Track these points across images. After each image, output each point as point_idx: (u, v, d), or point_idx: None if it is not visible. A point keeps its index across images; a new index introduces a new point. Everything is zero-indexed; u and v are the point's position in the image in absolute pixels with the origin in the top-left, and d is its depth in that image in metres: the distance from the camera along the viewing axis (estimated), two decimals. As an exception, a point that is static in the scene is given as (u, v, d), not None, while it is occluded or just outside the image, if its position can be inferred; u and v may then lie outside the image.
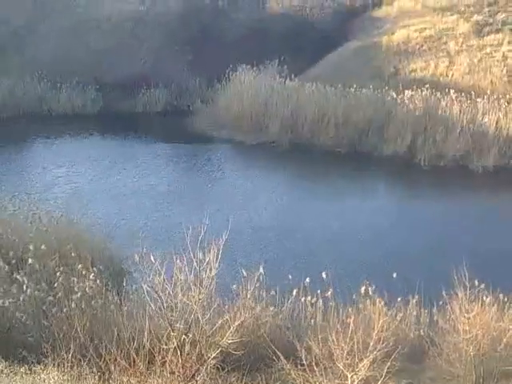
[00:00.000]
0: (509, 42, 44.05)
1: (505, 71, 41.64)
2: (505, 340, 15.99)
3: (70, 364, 14.53)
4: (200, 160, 39.55)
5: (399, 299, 18.19)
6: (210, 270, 14.85)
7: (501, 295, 17.90)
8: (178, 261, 14.82)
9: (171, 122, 44.48)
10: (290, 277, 18.86)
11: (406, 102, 38.96)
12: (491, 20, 47.18)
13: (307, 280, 18.36)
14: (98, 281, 18.62)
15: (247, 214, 30.34)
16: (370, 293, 18.04)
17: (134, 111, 46.37)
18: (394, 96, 39.53)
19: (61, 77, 46.64)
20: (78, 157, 38.88)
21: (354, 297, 18.24)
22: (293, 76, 43.25)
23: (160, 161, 39.37)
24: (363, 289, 18.04)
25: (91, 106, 46.77)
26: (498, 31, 45.62)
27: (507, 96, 38.28)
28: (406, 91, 39.35)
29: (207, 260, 14.81)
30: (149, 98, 47.27)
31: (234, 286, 17.40)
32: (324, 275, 18.10)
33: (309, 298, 18.31)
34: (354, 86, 40.58)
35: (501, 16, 47.43)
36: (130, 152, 40.70)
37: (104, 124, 44.91)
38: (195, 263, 14.74)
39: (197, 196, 33.26)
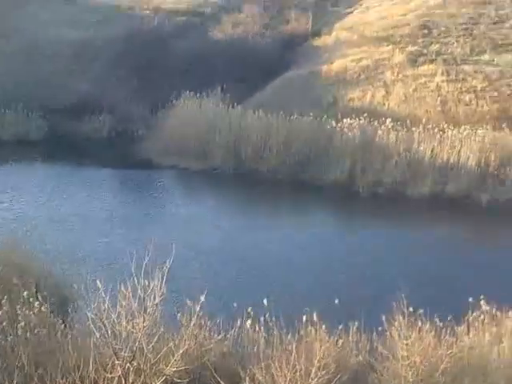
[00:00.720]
0: (442, 73, 45.51)
1: (439, 101, 43.07)
2: (442, 366, 16.26)
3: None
4: (144, 186, 40.11)
5: (340, 326, 18.35)
6: (155, 297, 15.04)
7: (438, 321, 18.21)
8: (123, 288, 15.02)
9: (116, 147, 44.91)
10: (235, 304, 19.17)
11: (345, 130, 39.99)
12: (425, 51, 48.77)
13: (250, 307, 18.58)
14: (42, 308, 18.27)
15: (191, 240, 30.56)
16: (313, 319, 18.10)
17: (79, 137, 46.38)
18: (334, 124, 40.51)
19: (5, 102, 46.51)
20: (21, 183, 38.92)
21: (296, 324, 18.40)
22: (236, 103, 43.98)
23: (104, 187, 39.66)
24: (305, 316, 18.13)
25: (36, 132, 46.80)
26: (431, 62, 47.17)
27: (441, 125, 39.48)
28: (345, 120, 40.36)
29: (151, 287, 15.00)
30: (94, 124, 47.62)
31: (179, 313, 17.40)
32: (266, 302, 18.32)
33: (252, 325, 18.47)
34: (295, 113, 41.44)
35: (434, 47, 49.07)
36: (74, 178, 40.92)
37: (48, 150, 44.90)
38: (139, 290, 14.92)
39: (141, 222, 33.69)
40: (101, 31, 55.10)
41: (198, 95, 45.20)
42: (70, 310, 20.73)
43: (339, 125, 40.36)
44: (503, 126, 39.11)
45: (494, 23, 52.07)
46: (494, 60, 46.86)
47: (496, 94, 43.02)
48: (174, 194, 39.27)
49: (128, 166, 42.60)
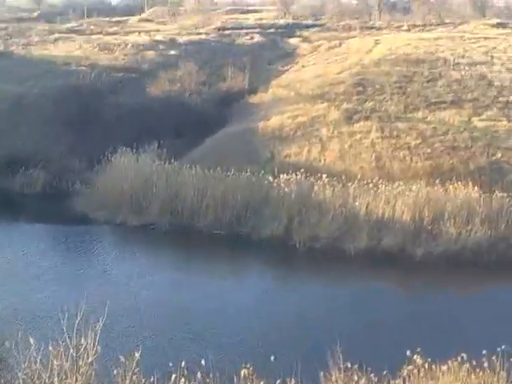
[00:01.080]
0: (377, 130, 46.22)
1: (373, 157, 43.54)
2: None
3: None
4: (78, 242, 39.40)
5: (278, 382, 18.20)
6: (88, 356, 14.74)
7: (373, 376, 18.35)
8: (55, 346, 14.69)
9: (51, 203, 44.10)
10: (170, 362, 18.78)
11: (282, 185, 40.09)
12: (360, 108, 49.58)
13: (186, 364, 18.16)
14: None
15: (124, 297, 30.36)
16: (249, 376, 18.10)
17: (12, 192, 45.70)
18: (270, 180, 40.65)
19: None
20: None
21: (234, 380, 18.33)
22: (172, 159, 43.86)
23: (37, 243, 38.98)
24: (242, 372, 18.12)
25: (-35, 187, 45.76)
26: (366, 119, 47.89)
27: (376, 181, 39.92)
28: (282, 175, 40.52)
29: (84, 345, 14.71)
30: (27, 179, 46.77)
31: (114, 370, 16.95)
32: (203, 361, 18.17)
33: (188, 382, 18.02)
34: (232, 169, 41.50)
35: (369, 104, 49.91)
36: (5, 234, 40.11)
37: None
38: (72, 349, 14.62)
39: (74, 279, 33.13)
40: (36, 86, 54.79)
41: (134, 150, 44.88)
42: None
43: (276, 180, 40.46)
44: (437, 181, 39.62)
45: (428, 81, 53.30)
46: (427, 117, 47.79)
47: (429, 150, 43.71)
48: (109, 250, 38.53)
49: (63, 221, 41.90)
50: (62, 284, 32.22)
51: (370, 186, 39.42)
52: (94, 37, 70.16)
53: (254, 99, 55.44)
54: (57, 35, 70.05)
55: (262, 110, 52.22)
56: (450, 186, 39.04)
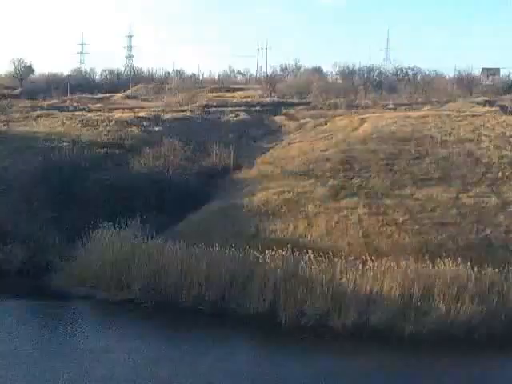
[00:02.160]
0: (364, 206, 45.80)
1: (360, 233, 43.02)
2: None
3: None
4: (55, 319, 38.31)
5: None
6: None
7: None
8: None
9: (29, 279, 42.87)
10: None
11: (267, 261, 39.29)
12: (347, 184, 49.26)
13: None
14: None
15: (102, 376, 29.39)
16: None
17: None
18: (255, 255, 39.78)
19: None
20: None
21: None
22: (155, 234, 43.12)
23: (12, 320, 37.74)
24: None
25: None
26: (353, 195, 47.58)
27: (363, 257, 39.18)
28: (267, 251, 39.70)
29: None
30: (5, 255, 45.48)
31: None
32: None
33: None
34: (217, 244, 40.67)
35: (356, 181, 49.68)
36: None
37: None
38: None
39: (49, 359, 32.02)
40: (16, 162, 54.24)
41: (116, 226, 44.07)
42: None
43: (261, 256, 39.59)
44: (425, 257, 38.92)
45: (415, 158, 53.16)
46: (414, 194, 47.43)
47: (417, 226, 43.28)
48: (87, 327, 37.30)
49: (39, 298, 40.77)
50: (37, 364, 31.08)
51: (358, 262, 38.75)
52: (77, 113, 70.09)
53: (239, 175, 54.99)
54: (39, 112, 69.97)
55: (247, 185, 51.76)
56: (440, 262, 38.27)
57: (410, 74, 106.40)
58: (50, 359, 31.95)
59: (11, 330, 35.99)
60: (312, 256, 39.20)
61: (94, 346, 34.04)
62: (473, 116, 66.98)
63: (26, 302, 41.36)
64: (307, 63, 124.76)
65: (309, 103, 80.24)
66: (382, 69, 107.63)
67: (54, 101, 78.41)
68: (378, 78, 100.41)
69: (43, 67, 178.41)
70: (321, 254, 39.47)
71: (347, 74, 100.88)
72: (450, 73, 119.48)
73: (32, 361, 31.75)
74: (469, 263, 38.01)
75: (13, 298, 41.30)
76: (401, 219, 44.10)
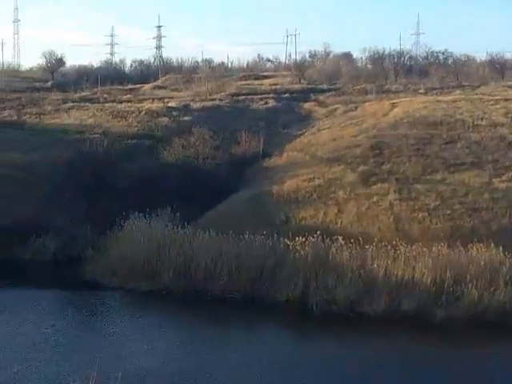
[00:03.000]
0: (395, 191, 45.45)
1: (391, 219, 42.71)
2: None
3: None
4: (87, 309, 38.66)
5: None
6: None
7: None
8: None
9: (61, 269, 43.35)
10: None
11: (298, 248, 39.18)
12: (377, 170, 48.90)
13: None
14: None
15: (137, 365, 29.44)
16: None
17: (23, 259, 44.92)
18: (286, 243, 39.68)
19: None
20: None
21: None
22: (185, 223, 43.16)
23: (46, 311, 38.02)
24: None
25: (-23, 254, 45.15)
26: (383, 181, 47.19)
27: (394, 243, 38.89)
28: (297, 238, 39.59)
29: None
30: (38, 246, 46.12)
31: None
32: None
33: None
34: (247, 233, 40.62)
35: (386, 166, 49.29)
36: (15, 302, 39.26)
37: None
38: None
39: (83, 347, 32.22)
40: (48, 154, 54.59)
41: (147, 216, 44.23)
42: None
43: (291, 243, 39.49)
44: (457, 243, 38.54)
45: (446, 143, 52.67)
46: (446, 179, 46.96)
47: (449, 212, 42.84)
48: (119, 316, 37.72)
49: (73, 288, 41.10)
50: (73, 352, 31.37)
51: (389, 247, 38.44)
52: (107, 105, 70.44)
53: (269, 163, 54.91)
54: (70, 104, 70.36)
55: (277, 173, 51.61)
56: (472, 248, 37.88)
57: (441, 57, 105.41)
58: (82, 346, 32.27)
59: (45, 318, 36.37)
60: (342, 242, 39.01)
61: (124, 334, 34.33)
62: (505, 100, 66.21)
63: (59, 292, 41.78)
64: (336, 49, 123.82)
65: (338, 89, 79.78)
66: (412, 53, 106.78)
67: (85, 93, 78.81)
68: (408, 63, 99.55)
69: (74, 60, 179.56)
70: (351, 240, 39.21)
71: (377, 58, 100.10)
72: (481, 56, 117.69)
73: (65, 348, 32.10)
74: (501, 248, 37.58)
75: (46, 288, 41.75)
76: (432, 204, 43.67)
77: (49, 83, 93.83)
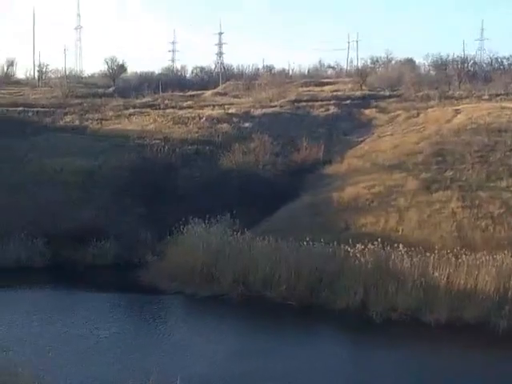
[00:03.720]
0: (457, 199, 44.65)
1: (454, 227, 41.94)
2: None
3: None
4: (146, 313, 38.68)
5: None
6: None
7: None
8: None
9: (121, 274, 43.72)
10: None
11: (357, 255, 38.72)
12: (439, 177, 48.13)
13: None
14: None
15: (196, 370, 29.30)
16: None
17: (84, 263, 45.36)
18: (345, 250, 39.27)
19: (8, 230, 45.89)
20: (20, 310, 37.85)
21: None
22: (245, 229, 43.08)
23: (106, 314, 38.30)
24: None
25: (39, 259, 45.76)
26: (446, 188, 46.39)
27: (456, 251, 38.12)
28: (357, 245, 39.14)
29: None
30: (99, 251, 46.66)
31: None
32: None
33: None
34: (306, 239, 40.29)
35: (449, 173, 48.48)
36: (76, 305, 39.86)
37: (51, 276, 43.92)
38: None
39: (142, 350, 32.23)
40: (109, 160, 55.18)
41: (206, 221, 44.32)
42: None
43: (351, 250, 39.06)
44: (522, 251, 37.65)
45: (510, 150, 51.62)
46: (510, 186, 46.01)
47: (514, 219, 41.88)
48: (179, 321, 37.88)
49: (133, 292, 41.49)
50: (134, 355, 31.53)
51: (451, 256, 37.63)
52: (168, 111, 70.81)
53: (329, 170, 54.51)
54: (131, 110, 70.87)
55: (337, 180, 51.22)
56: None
57: (506, 63, 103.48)
58: (140, 350, 32.35)
59: (104, 322, 36.66)
60: (403, 250, 38.37)
61: (182, 339, 34.26)
62: None
63: (119, 296, 42.19)
64: (399, 55, 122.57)
65: (400, 95, 78.86)
66: (476, 59, 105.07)
67: (146, 99, 79.34)
68: (472, 69, 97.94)
69: (135, 66, 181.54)
70: (412, 248, 38.56)
71: (440, 64, 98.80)
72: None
73: (123, 352, 32.25)
74: None
75: (106, 292, 42.24)
76: (496, 212, 42.82)
77: (110, 89, 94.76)
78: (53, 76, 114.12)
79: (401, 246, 38.70)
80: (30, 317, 36.80)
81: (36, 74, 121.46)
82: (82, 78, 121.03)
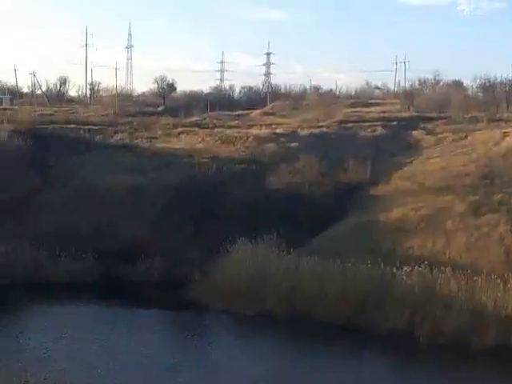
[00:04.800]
0: (506, 222, 44.25)
1: (502, 251, 41.60)
2: None
3: None
4: (193, 330, 39.14)
5: None
6: None
7: None
8: None
9: (168, 291, 44.00)
10: None
11: (404, 277, 38.72)
12: (487, 200, 47.74)
13: None
14: None
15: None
16: None
17: (132, 279, 45.96)
18: (392, 271, 39.28)
19: (59, 245, 46.77)
20: (70, 325, 38.53)
21: None
22: (291, 249, 43.30)
23: (153, 330, 38.86)
24: None
25: (89, 274, 46.49)
26: (494, 211, 46.00)
27: (505, 275, 37.86)
28: (404, 267, 39.10)
29: None
30: (147, 267, 47.18)
31: None
32: None
33: None
34: (352, 260, 40.36)
35: (497, 196, 48.03)
36: (124, 320, 40.62)
37: (100, 292, 44.83)
38: None
39: (191, 369, 32.68)
40: (158, 177, 55.75)
41: (252, 241, 44.60)
42: None
43: (398, 272, 39.03)
44: None
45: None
46: (562, 211, 45.46)
47: None
48: (221, 339, 38.27)
49: (180, 309, 41.93)
50: (180, 373, 32.04)
51: (499, 280, 37.43)
52: (216, 130, 71.40)
53: (376, 191, 54.42)
54: (180, 129, 71.61)
55: (384, 201, 51.12)
56: None
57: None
58: (185, 364, 32.96)
59: (151, 337, 37.26)
60: (450, 273, 38.27)
61: (227, 357, 34.60)
62: None
63: (166, 312, 42.80)
64: (447, 76, 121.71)
65: (448, 117, 78.46)
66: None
67: (195, 118, 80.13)
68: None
69: (184, 85, 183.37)
70: (460, 271, 38.46)
71: (488, 86, 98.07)
72: None
73: (167, 367, 32.71)
74: None
75: (153, 308, 42.90)
76: (547, 236, 42.36)
77: (160, 108, 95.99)
78: (104, 94, 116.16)
79: (448, 268, 38.63)
80: (80, 332, 37.58)
81: (88, 92, 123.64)
82: (132, 96, 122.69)
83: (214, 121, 77.56)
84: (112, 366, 32.33)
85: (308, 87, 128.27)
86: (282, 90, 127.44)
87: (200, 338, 37.68)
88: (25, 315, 41.67)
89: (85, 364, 32.11)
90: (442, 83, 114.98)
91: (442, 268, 38.83)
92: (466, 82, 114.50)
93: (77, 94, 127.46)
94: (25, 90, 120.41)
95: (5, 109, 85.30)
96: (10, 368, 27.37)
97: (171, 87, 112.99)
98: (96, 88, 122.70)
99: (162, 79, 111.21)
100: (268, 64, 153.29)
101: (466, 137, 66.01)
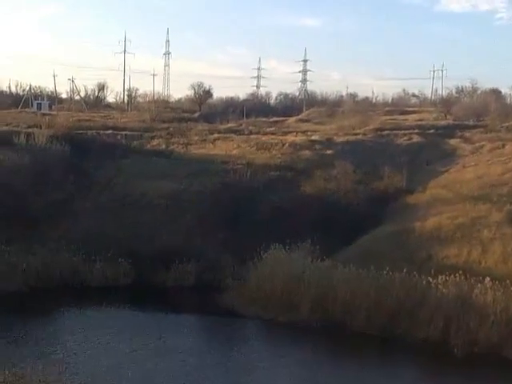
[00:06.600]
0: (545, 234, 43.77)
1: (540, 261, 41.15)
2: None
3: None
4: (226, 335, 39.36)
5: None
6: None
7: None
8: None
9: (201, 296, 44.22)
10: None
11: (439, 287, 38.38)
12: (525, 210, 47.28)
13: None
14: None
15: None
16: None
17: (166, 284, 46.41)
18: (427, 281, 38.95)
19: (95, 250, 47.14)
20: (105, 329, 38.85)
21: None
22: (325, 257, 43.25)
23: (187, 335, 38.98)
24: None
25: (124, 279, 46.93)
26: (532, 221, 45.54)
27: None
28: (439, 276, 38.80)
29: None
30: (180, 273, 47.38)
31: None
32: None
33: None
34: (387, 269, 40.15)
35: (535, 206, 47.56)
36: (158, 325, 40.56)
37: (135, 296, 45.10)
38: None
39: (224, 375, 32.89)
40: (194, 183, 55.98)
41: (286, 247, 44.55)
42: None
43: (433, 281, 38.72)
44: None
45: None
46: None
47: None
48: (255, 346, 38.15)
49: (213, 314, 42.07)
50: (213, 379, 32.18)
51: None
52: (252, 136, 71.54)
53: (411, 199, 54.14)
54: (216, 135, 71.84)
55: (420, 210, 50.82)
56: None
57: None
58: (215, 370, 33.08)
59: (184, 342, 37.40)
60: (487, 283, 37.86)
61: (259, 365, 34.53)
62: None
63: (199, 317, 42.91)
64: (484, 85, 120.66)
65: (485, 126, 77.82)
66: None
67: (231, 124, 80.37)
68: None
69: (221, 91, 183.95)
70: (496, 281, 38.01)
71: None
72: None
73: (198, 373, 32.81)
74: None
75: (187, 313, 42.99)
76: None
77: (196, 114, 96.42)
78: (141, 100, 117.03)
79: (484, 278, 38.17)
80: (115, 335, 37.91)
81: (125, 98, 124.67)
82: (169, 102, 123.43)
83: (250, 127, 77.70)
84: (143, 368, 32.59)
85: (344, 94, 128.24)
86: (318, 97, 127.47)
87: (230, 344, 37.71)
88: (61, 317, 42.05)
89: (112, 365, 32.61)
90: (479, 91, 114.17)
91: (478, 278, 38.36)
92: (504, 91, 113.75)
93: (114, 100, 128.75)
94: (63, 96, 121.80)
95: (44, 114, 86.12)
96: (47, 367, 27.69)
97: (207, 93, 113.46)
98: (133, 94, 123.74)
99: (199, 85, 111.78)
100: (304, 71, 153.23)
101: (504, 146, 65.47)
